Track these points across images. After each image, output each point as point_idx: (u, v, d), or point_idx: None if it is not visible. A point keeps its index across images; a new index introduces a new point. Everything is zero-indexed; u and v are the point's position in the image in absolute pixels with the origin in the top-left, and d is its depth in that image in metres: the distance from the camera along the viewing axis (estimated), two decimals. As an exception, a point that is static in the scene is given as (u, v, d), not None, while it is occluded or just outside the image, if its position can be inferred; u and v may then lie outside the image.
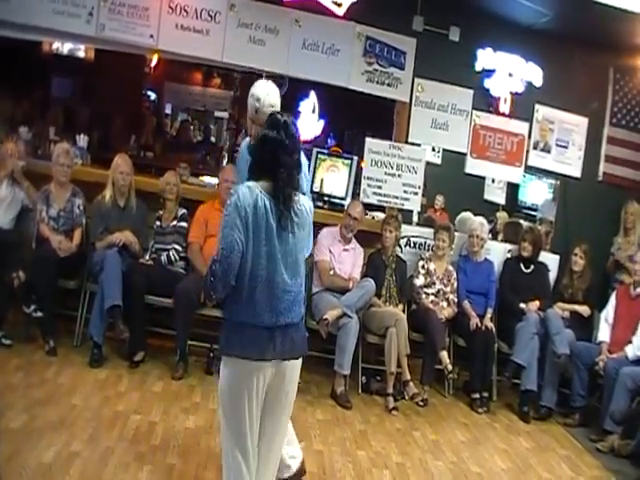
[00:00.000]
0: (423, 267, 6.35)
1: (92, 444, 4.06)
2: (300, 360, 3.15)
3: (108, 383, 5.05)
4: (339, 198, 6.91)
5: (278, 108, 3.72)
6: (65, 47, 9.94)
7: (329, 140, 11.02)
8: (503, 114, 7.05)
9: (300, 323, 3.12)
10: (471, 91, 6.91)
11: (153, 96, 11.54)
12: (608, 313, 6.14)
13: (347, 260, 6.13)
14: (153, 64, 10.70)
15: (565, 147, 7.25)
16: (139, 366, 5.44)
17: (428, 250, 6.66)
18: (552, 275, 6.77)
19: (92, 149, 7.31)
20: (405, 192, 6.79)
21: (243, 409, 3.01)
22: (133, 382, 5.14)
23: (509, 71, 6.86)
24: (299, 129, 3.14)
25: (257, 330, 2.96)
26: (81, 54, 10.06)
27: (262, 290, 2.95)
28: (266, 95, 3.68)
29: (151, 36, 6.29)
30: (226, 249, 2.86)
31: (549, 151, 7.23)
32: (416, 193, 6.83)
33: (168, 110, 12.10)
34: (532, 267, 6.55)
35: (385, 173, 6.72)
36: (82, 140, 7.08)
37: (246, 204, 2.88)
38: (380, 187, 6.73)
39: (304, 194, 3.25)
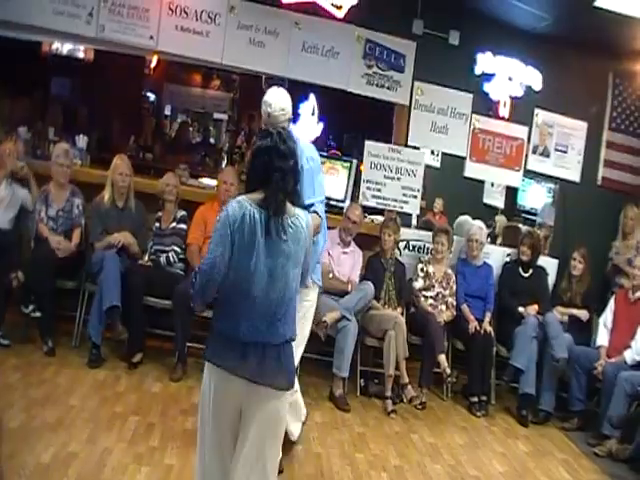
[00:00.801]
0: (422, 270, 6.35)
1: (90, 445, 4.05)
2: (278, 394, 2.91)
3: (106, 384, 5.05)
4: (338, 201, 6.89)
5: (289, 112, 3.83)
6: (65, 47, 9.91)
7: (329, 143, 11.00)
8: (502, 118, 7.07)
9: (282, 347, 2.93)
10: (470, 95, 6.93)
11: (152, 97, 11.54)
12: (607, 317, 6.14)
13: (346, 263, 6.12)
14: (153, 65, 10.69)
15: (564, 151, 7.27)
16: (137, 367, 5.43)
17: (427, 253, 6.66)
18: (551, 279, 6.79)
19: (91, 150, 7.32)
20: (404, 195, 6.78)
21: (212, 418, 2.93)
22: (131, 383, 5.14)
23: (509, 75, 6.88)
24: (297, 138, 3.14)
25: (232, 342, 2.85)
26: (80, 55, 10.02)
27: (243, 303, 2.85)
28: (276, 100, 3.78)
29: (151, 37, 6.29)
30: (207, 265, 2.82)
31: (548, 155, 7.26)
32: (415, 196, 6.83)
33: (167, 111, 12.08)
34: (531, 271, 6.55)
35: (384, 176, 6.71)
36: (81, 140, 7.07)
37: (232, 220, 2.80)
38: (379, 190, 6.73)
39: (306, 207, 3.23)
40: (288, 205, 2.91)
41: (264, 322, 2.86)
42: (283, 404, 2.99)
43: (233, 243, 2.82)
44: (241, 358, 2.84)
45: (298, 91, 10.40)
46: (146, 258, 5.85)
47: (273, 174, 2.87)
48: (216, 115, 12.08)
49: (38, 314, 5.29)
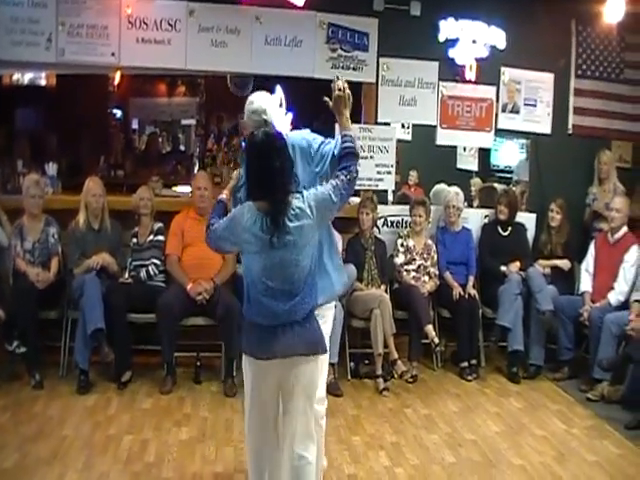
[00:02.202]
0: (402, 245, 6.38)
1: (86, 472, 4.09)
2: (310, 358, 3.17)
3: (97, 408, 5.09)
4: (312, 187, 6.91)
5: (270, 111, 3.62)
6: (26, 77, 9.94)
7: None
8: (469, 81, 7.01)
9: (307, 318, 3.15)
10: (436, 63, 6.88)
11: (119, 114, 11.54)
12: (588, 263, 6.19)
13: (326, 248, 6.15)
14: (117, 82, 10.69)
15: (534, 105, 7.23)
16: (127, 386, 5.47)
17: (406, 227, 6.69)
18: (530, 234, 6.81)
19: (62, 176, 7.31)
20: (378, 173, 6.80)
21: (254, 405, 3.26)
22: (122, 403, 5.18)
23: (472, 38, 6.82)
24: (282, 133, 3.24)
25: (261, 330, 3.11)
26: (42, 82, 10.05)
27: (263, 294, 3.08)
28: (256, 98, 3.62)
29: (112, 54, 6.24)
30: (213, 238, 3.29)
31: (518, 112, 7.22)
32: (389, 172, 6.85)
33: (135, 125, 12.08)
34: (510, 229, 6.59)
35: (357, 157, 6.71)
36: (51, 168, 7.07)
37: (240, 228, 3.09)
38: (353, 171, 6.72)
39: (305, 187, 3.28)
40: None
41: (285, 305, 3.07)
42: (318, 366, 3.26)
43: (239, 245, 3.19)
44: (271, 341, 3.07)
45: (265, 86, 10.46)
46: (126, 275, 5.89)
47: (273, 182, 2.97)
48: (184, 121, 12.07)
49: (23, 349, 5.29)
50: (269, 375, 3.16)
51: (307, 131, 3.67)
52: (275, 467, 3.32)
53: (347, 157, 3.30)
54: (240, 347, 3.29)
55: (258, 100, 3.56)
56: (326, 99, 3.41)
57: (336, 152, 3.39)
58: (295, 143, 3.47)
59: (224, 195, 3.53)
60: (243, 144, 3.53)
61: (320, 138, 3.56)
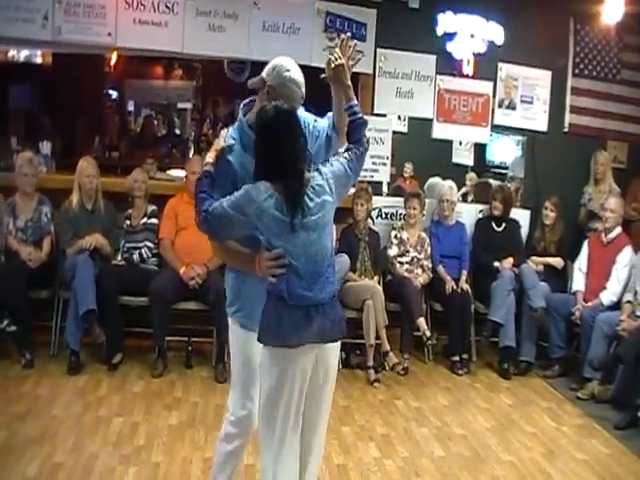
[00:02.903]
0: (396, 237, 6.38)
1: (75, 453, 4.08)
2: (336, 345, 3.00)
3: (88, 389, 5.08)
4: (308, 177, 6.90)
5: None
6: (21, 54, 9.87)
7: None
8: (467, 76, 7.02)
9: (332, 301, 2.92)
10: (434, 56, 6.87)
11: (115, 95, 11.50)
12: (581, 262, 6.20)
13: (320, 237, 6.13)
14: (113, 62, 10.63)
15: (530, 102, 7.24)
16: (118, 368, 5.46)
17: (400, 219, 6.68)
18: (524, 231, 6.83)
19: (56, 155, 7.29)
20: (374, 164, 6.79)
21: (283, 405, 2.87)
22: (113, 385, 5.17)
23: (470, 32, 6.82)
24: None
25: (290, 315, 2.82)
26: (38, 60, 9.99)
27: (289, 276, 2.81)
28: (292, 67, 3.14)
29: (109, 34, 6.18)
30: (212, 219, 2.82)
31: (514, 108, 7.23)
32: (384, 164, 6.85)
33: (131, 107, 12.03)
34: (504, 225, 6.60)
35: (352, 147, 6.70)
36: (45, 147, 7.07)
37: (254, 206, 2.77)
38: (348, 161, 6.71)
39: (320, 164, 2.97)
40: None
41: (313, 286, 2.83)
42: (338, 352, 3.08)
43: (249, 229, 2.82)
44: (304, 326, 2.81)
45: (261, 71, 10.44)
46: (119, 257, 5.86)
47: (292, 160, 2.78)
48: (180, 105, 12.05)
49: (13, 328, 5.26)
50: (298, 367, 2.83)
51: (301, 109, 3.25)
52: None
53: (358, 128, 3.10)
54: (263, 341, 2.86)
55: (295, 70, 3.11)
56: (324, 75, 3.17)
57: (329, 132, 3.18)
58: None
59: (209, 164, 2.96)
60: (247, 117, 3.04)
61: (312, 116, 3.27)
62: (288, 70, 3.06)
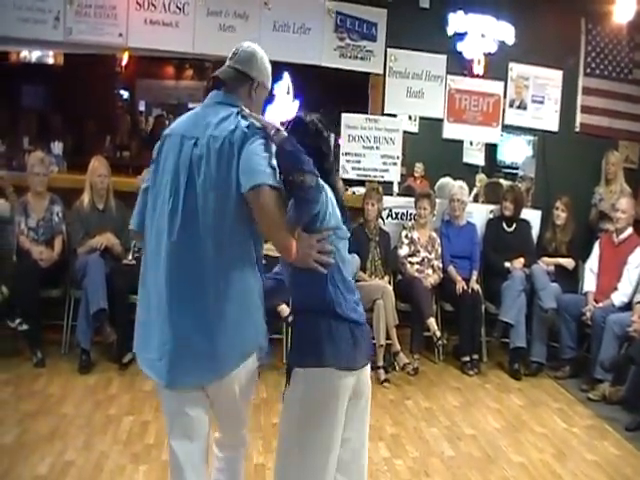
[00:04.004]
0: (406, 237, 6.37)
1: (86, 451, 4.09)
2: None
3: (98, 388, 5.10)
4: (319, 177, 6.90)
5: None
6: (33, 55, 9.92)
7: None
8: (477, 76, 7.03)
9: None
10: (444, 56, 6.90)
11: (126, 95, 11.53)
12: (593, 263, 6.18)
13: (330, 238, 6.13)
14: (124, 63, 10.67)
15: (541, 102, 7.24)
16: (128, 367, 5.46)
17: (410, 219, 6.68)
18: (535, 231, 6.82)
19: (68, 155, 7.32)
20: (384, 164, 6.82)
21: (334, 445, 2.67)
22: (123, 384, 5.19)
23: (481, 32, 6.83)
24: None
25: (352, 332, 2.63)
26: (50, 60, 10.04)
27: (348, 284, 2.70)
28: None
29: (120, 35, 6.24)
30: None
31: (525, 108, 7.23)
32: (395, 164, 6.87)
33: (142, 107, 12.07)
34: (514, 225, 6.59)
35: (363, 147, 6.75)
36: (57, 147, 7.09)
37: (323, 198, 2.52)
38: (359, 161, 6.76)
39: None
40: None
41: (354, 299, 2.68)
42: None
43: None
44: (356, 345, 2.62)
45: (272, 71, 10.44)
46: (130, 257, 5.88)
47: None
48: (191, 105, 12.00)
49: (25, 326, 5.29)
50: (346, 393, 2.64)
51: None
52: None
53: None
54: (319, 361, 2.57)
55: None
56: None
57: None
58: None
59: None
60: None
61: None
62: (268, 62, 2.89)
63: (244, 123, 2.55)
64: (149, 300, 2.66)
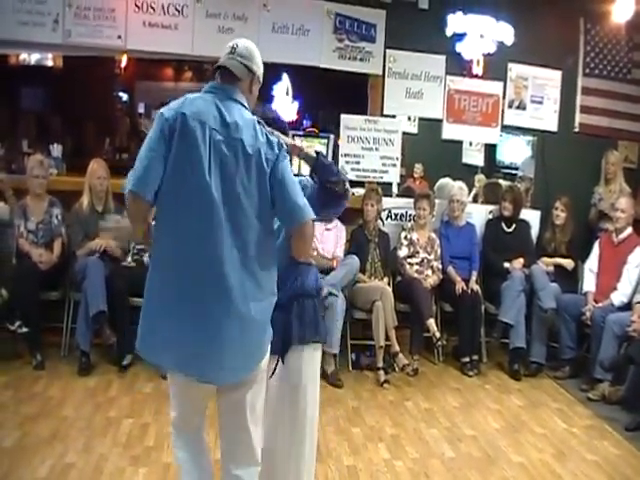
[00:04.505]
0: (406, 238, 6.37)
1: (86, 453, 4.09)
2: None
3: (98, 390, 5.09)
4: (318, 178, 6.91)
5: None
6: (32, 57, 9.93)
7: (305, 121, 11.02)
8: (476, 76, 7.02)
9: None
10: (443, 57, 6.89)
11: (125, 97, 11.52)
12: (592, 262, 6.18)
13: (329, 239, 6.15)
14: (123, 65, 10.65)
15: (540, 102, 7.24)
16: (128, 369, 5.47)
17: (410, 220, 6.67)
18: (534, 231, 6.82)
19: (67, 157, 7.31)
20: (383, 165, 6.82)
21: None
22: (123, 386, 5.18)
23: (480, 33, 6.82)
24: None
25: None
26: (49, 63, 10.04)
27: None
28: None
29: (119, 37, 6.24)
30: None
31: (524, 108, 7.22)
32: (394, 165, 6.87)
33: (141, 109, 12.04)
34: (514, 226, 6.59)
35: (362, 148, 6.75)
36: (56, 149, 7.08)
37: None
38: (358, 162, 6.76)
39: None
40: None
41: None
42: None
43: None
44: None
45: (271, 73, 10.45)
46: (129, 259, 5.88)
47: None
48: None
49: (25, 329, 5.28)
50: None
51: None
52: None
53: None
54: (318, 336, 3.15)
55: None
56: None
57: None
58: None
59: None
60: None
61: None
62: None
63: (273, 139, 2.68)
64: (180, 288, 2.63)
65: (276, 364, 3.02)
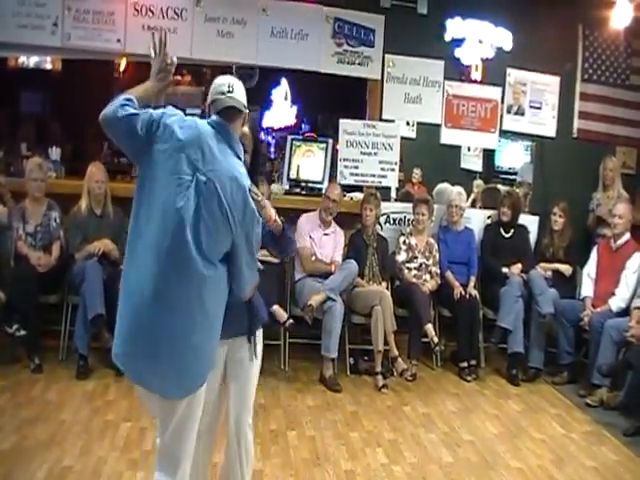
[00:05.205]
0: (404, 242, 6.38)
1: (84, 457, 4.08)
2: None
3: (96, 394, 5.09)
4: (316, 182, 6.93)
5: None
6: (31, 60, 9.91)
7: (303, 125, 11.04)
8: (475, 81, 7.04)
9: None
10: (442, 62, 6.89)
11: (124, 101, 11.51)
12: (590, 268, 6.18)
13: (328, 244, 6.16)
14: (122, 68, 10.64)
15: (539, 108, 7.24)
16: (126, 373, 5.47)
17: (408, 225, 6.68)
18: (532, 236, 6.83)
19: (66, 160, 7.30)
20: (382, 169, 6.82)
21: None
22: (121, 390, 5.16)
23: (479, 38, 6.83)
24: None
25: None
26: (48, 66, 10.03)
27: None
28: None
29: (118, 40, 6.24)
30: None
31: (523, 113, 7.23)
32: (393, 169, 6.87)
33: (140, 112, 12.03)
34: (512, 231, 6.59)
35: (361, 153, 6.75)
36: (55, 153, 7.08)
37: None
38: (357, 167, 6.77)
39: None
40: None
41: None
42: None
43: None
44: None
45: (270, 77, 10.50)
46: (127, 263, 5.86)
47: None
48: (188, 110, 11.92)
49: (23, 332, 5.27)
50: None
51: None
52: None
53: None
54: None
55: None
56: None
57: None
58: None
59: None
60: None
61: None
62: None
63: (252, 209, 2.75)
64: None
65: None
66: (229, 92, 2.83)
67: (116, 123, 2.72)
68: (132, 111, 2.70)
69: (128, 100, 2.75)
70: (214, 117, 2.82)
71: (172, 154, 2.66)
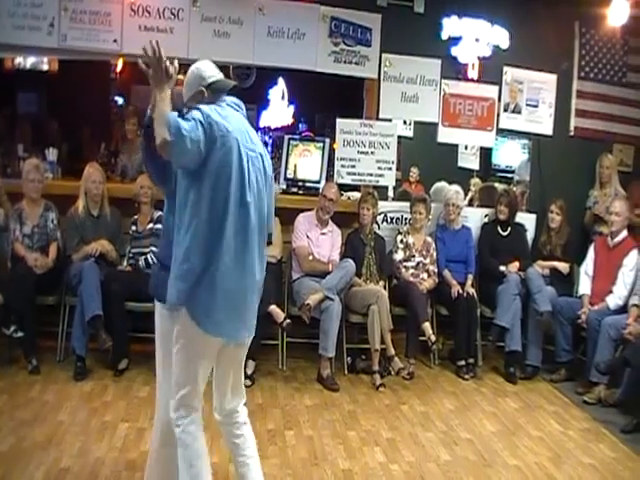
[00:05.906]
0: (402, 241, 6.38)
1: (82, 458, 4.08)
2: None
3: (94, 395, 5.08)
4: (314, 182, 6.93)
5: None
6: (28, 61, 9.90)
7: (300, 125, 11.04)
8: (472, 80, 7.02)
9: None
10: (439, 61, 6.88)
11: (121, 101, 11.46)
12: (587, 266, 6.19)
13: (325, 243, 6.16)
14: (119, 69, 10.65)
15: (535, 106, 7.23)
16: (124, 374, 5.46)
17: (405, 224, 6.69)
18: (530, 234, 6.84)
19: (62, 161, 7.29)
20: (379, 169, 6.82)
21: None
22: (119, 391, 5.17)
23: (475, 36, 6.81)
24: None
25: None
26: (45, 67, 10.01)
27: None
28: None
29: (115, 41, 6.23)
30: None
31: (520, 112, 7.22)
32: (390, 168, 6.86)
33: (137, 113, 12.01)
34: (509, 229, 6.60)
35: (358, 152, 6.75)
36: (51, 154, 7.05)
37: None
38: (354, 166, 6.76)
39: None
40: None
41: None
42: None
43: None
44: None
45: (266, 77, 10.50)
46: (125, 263, 5.88)
47: None
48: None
49: (20, 334, 5.28)
50: None
51: None
52: None
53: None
54: None
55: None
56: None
57: None
58: None
59: None
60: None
61: None
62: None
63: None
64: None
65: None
66: (219, 73, 3.18)
67: (186, 152, 2.87)
68: (194, 137, 2.84)
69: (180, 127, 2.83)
70: (232, 98, 3.15)
71: (229, 146, 2.96)
